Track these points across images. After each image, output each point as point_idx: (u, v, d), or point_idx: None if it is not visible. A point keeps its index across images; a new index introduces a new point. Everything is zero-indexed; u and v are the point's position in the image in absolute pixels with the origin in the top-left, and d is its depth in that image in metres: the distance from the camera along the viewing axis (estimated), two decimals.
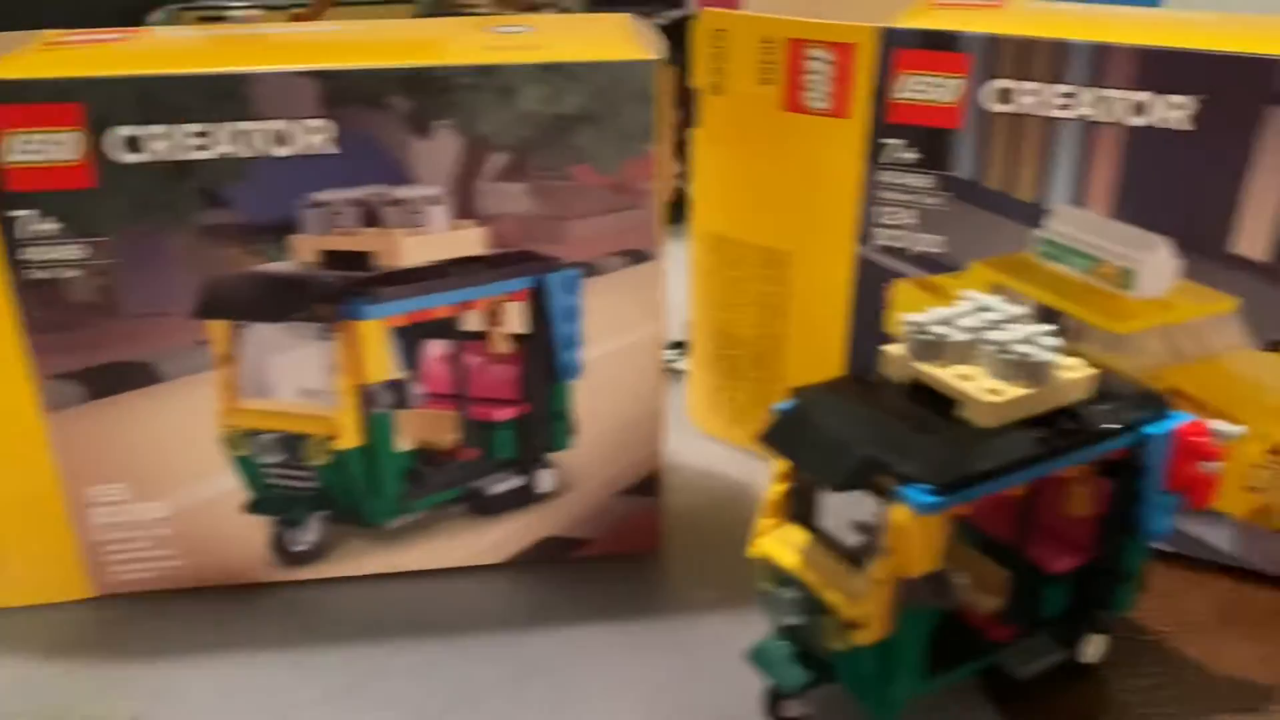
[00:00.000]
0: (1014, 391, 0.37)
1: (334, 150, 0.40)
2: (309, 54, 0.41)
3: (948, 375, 0.37)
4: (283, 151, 0.40)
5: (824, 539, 0.39)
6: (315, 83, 0.39)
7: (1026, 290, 0.47)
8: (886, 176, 0.48)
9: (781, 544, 0.40)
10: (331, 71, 0.39)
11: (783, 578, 0.39)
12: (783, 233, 0.52)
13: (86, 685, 0.43)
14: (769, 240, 0.52)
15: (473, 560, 0.48)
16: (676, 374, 0.64)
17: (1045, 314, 0.48)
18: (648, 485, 0.48)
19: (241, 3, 0.95)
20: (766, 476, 0.56)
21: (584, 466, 0.47)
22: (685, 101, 0.52)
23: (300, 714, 0.42)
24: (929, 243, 0.49)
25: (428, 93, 0.40)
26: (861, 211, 0.49)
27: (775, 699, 0.40)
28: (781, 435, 0.37)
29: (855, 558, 0.37)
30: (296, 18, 0.94)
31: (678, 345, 0.65)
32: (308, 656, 0.44)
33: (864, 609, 0.36)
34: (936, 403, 0.38)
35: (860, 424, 0.37)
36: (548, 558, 0.49)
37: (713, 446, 0.58)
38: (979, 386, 0.37)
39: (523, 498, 0.48)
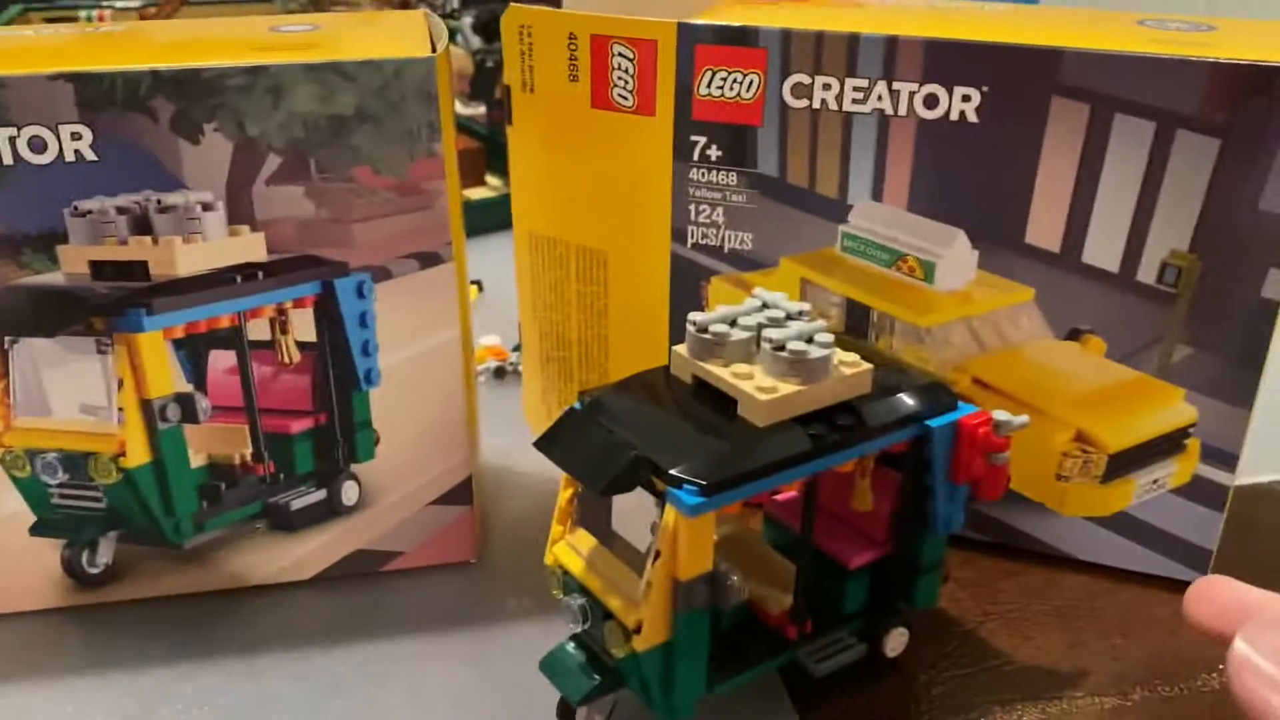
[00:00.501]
0: (787, 388, 0.36)
1: (95, 157, 0.39)
2: (72, 56, 0.39)
3: (726, 374, 0.37)
4: (42, 159, 0.38)
5: (610, 544, 0.38)
6: (70, 87, 0.38)
7: (833, 285, 0.47)
8: (695, 174, 0.47)
9: (571, 551, 0.39)
10: (87, 74, 0.38)
11: (570, 584, 0.38)
12: (600, 232, 0.51)
13: None
14: (587, 240, 0.51)
15: (278, 578, 0.47)
16: (519, 375, 0.63)
17: (854, 309, 0.48)
18: (459, 494, 0.47)
19: (89, 2, 0.92)
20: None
21: (390, 477, 0.46)
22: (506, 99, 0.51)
23: None
24: (740, 240, 0.48)
25: (193, 95, 0.38)
26: (674, 209, 0.49)
27: (567, 708, 0.39)
28: (555, 440, 0.37)
29: (637, 563, 0.37)
30: (145, 17, 0.91)
31: (518, 348, 0.64)
32: (96, 682, 0.42)
33: (641, 614, 0.36)
34: (720, 403, 0.37)
35: (642, 424, 0.36)
36: (360, 571, 0.48)
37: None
38: (754, 385, 0.36)
39: (327, 511, 0.46)
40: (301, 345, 0.44)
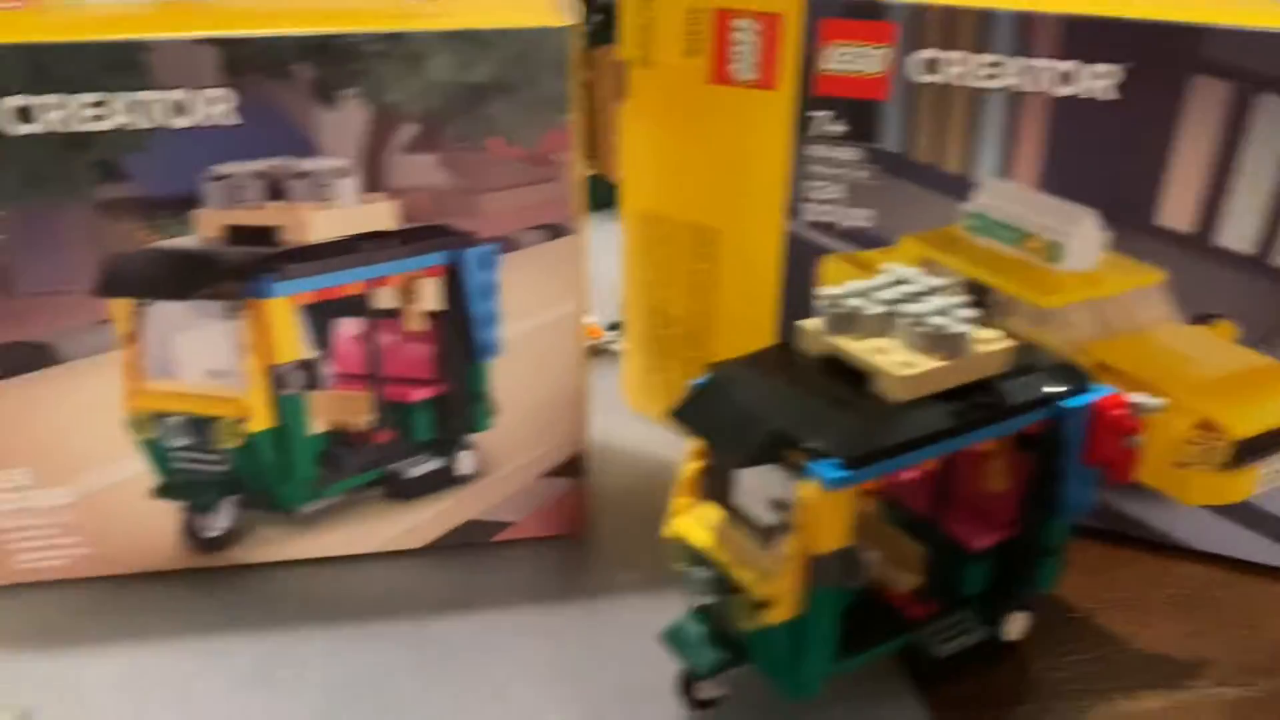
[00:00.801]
0: (927, 364, 0.36)
1: (236, 121, 0.39)
2: (212, 21, 0.40)
3: (862, 349, 0.37)
4: (183, 122, 0.39)
5: (738, 517, 0.38)
6: (215, 51, 0.38)
7: (955, 265, 0.47)
8: (815, 150, 0.47)
9: (696, 523, 0.39)
10: (232, 39, 0.38)
11: (696, 557, 0.38)
12: (712, 209, 0.51)
13: None
14: (698, 217, 0.51)
15: (390, 545, 0.47)
16: (614, 355, 0.63)
17: (974, 289, 0.47)
18: (572, 467, 0.47)
19: None
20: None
21: (505, 448, 0.46)
22: (619, 75, 0.51)
23: (205, 703, 0.40)
24: (858, 217, 0.48)
25: (333, 61, 0.39)
26: (790, 186, 0.48)
27: (689, 681, 0.39)
28: (692, 411, 0.36)
29: (767, 536, 0.37)
30: None
31: (615, 326, 0.64)
32: (215, 644, 0.43)
33: (774, 587, 0.35)
34: (851, 377, 0.37)
35: (773, 399, 0.36)
36: (469, 542, 0.48)
37: (647, 428, 0.57)
38: (892, 360, 0.36)
39: (442, 480, 0.47)
40: (426, 315, 0.44)
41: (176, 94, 0.38)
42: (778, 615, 0.36)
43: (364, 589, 0.46)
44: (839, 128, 0.47)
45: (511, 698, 0.41)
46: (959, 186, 0.46)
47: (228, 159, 0.40)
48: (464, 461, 0.46)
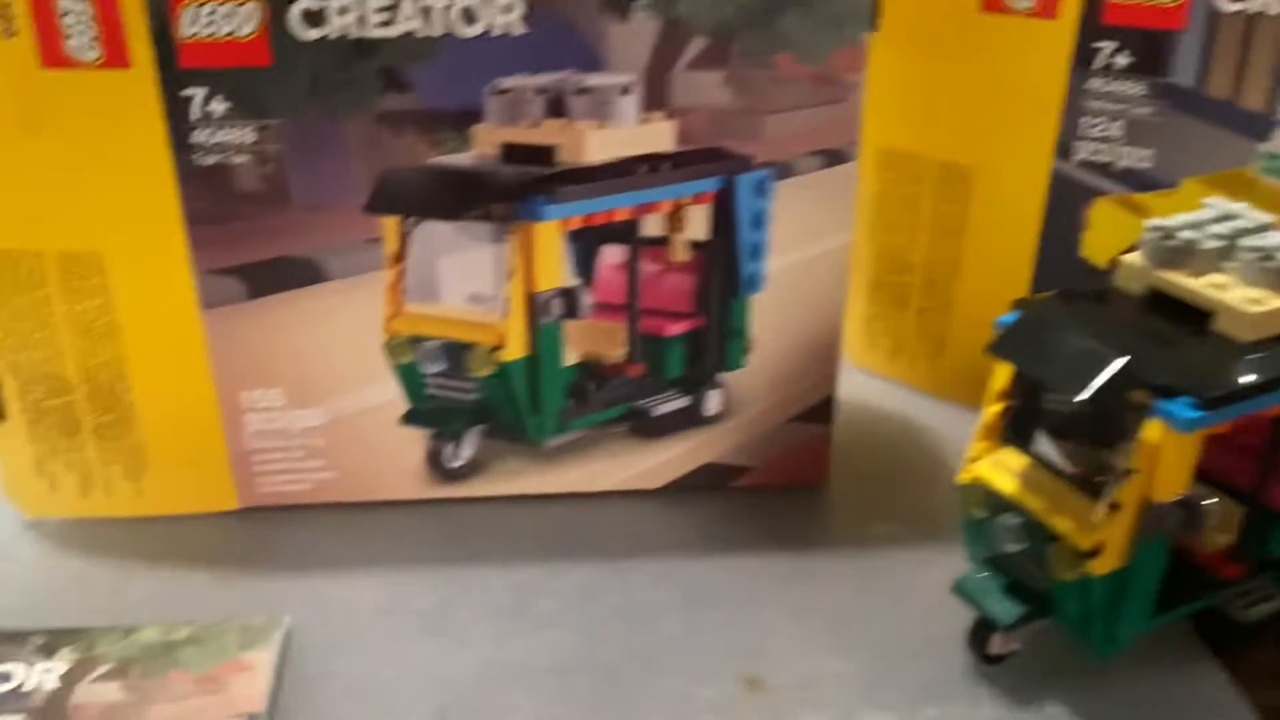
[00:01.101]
0: (1276, 301, 0.33)
1: (523, 31, 0.38)
2: None
3: (1199, 284, 0.34)
4: (471, 30, 0.37)
5: (1046, 462, 0.36)
6: None
7: None
8: (1095, 84, 0.44)
9: (998, 468, 0.37)
10: None
11: (1000, 504, 0.36)
12: (967, 146, 0.48)
13: (239, 596, 0.41)
14: (950, 154, 0.49)
15: (630, 484, 0.46)
16: None
17: None
18: (820, 411, 0.45)
19: None
20: (929, 412, 0.53)
21: (755, 389, 0.45)
22: None
23: (467, 631, 0.39)
24: (1136, 157, 0.45)
25: None
26: (1062, 123, 0.45)
27: (983, 633, 0.37)
28: (1015, 348, 0.34)
29: (1086, 481, 0.34)
30: None
31: None
32: (467, 574, 0.42)
33: (1101, 536, 0.33)
34: (1181, 314, 0.34)
35: (1103, 335, 0.34)
36: (706, 485, 0.46)
37: (866, 381, 0.55)
38: (1236, 296, 0.33)
39: (687, 420, 0.45)
40: (691, 244, 0.42)
41: (466, 0, 0.37)
42: (1102, 566, 0.33)
43: (606, 527, 0.45)
44: (1124, 59, 0.44)
45: (780, 645, 0.39)
46: (1257, 125, 0.43)
47: (512, 71, 0.38)
48: (711, 401, 0.45)
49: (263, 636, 0.38)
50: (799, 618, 0.40)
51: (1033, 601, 0.36)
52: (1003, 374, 0.37)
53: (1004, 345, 0.34)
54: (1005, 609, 0.36)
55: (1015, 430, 0.37)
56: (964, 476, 0.37)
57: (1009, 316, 0.36)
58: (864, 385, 0.55)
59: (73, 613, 0.40)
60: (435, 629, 0.39)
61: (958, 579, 0.37)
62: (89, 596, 0.41)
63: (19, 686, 0.36)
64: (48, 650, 0.37)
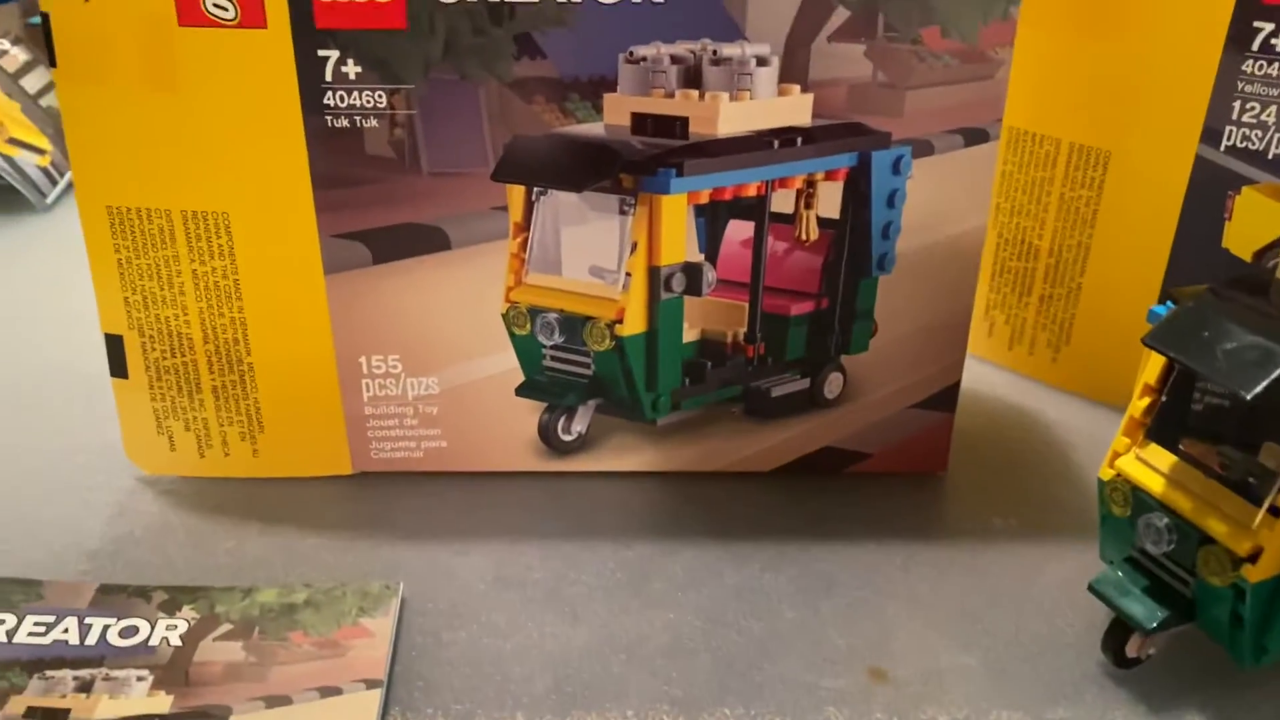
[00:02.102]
0: None
1: None
2: None
3: None
4: None
5: (1195, 461, 0.34)
6: None
7: None
8: (1251, 65, 0.42)
9: (1143, 465, 0.35)
10: None
11: (1145, 503, 0.35)
12: (1105, 128, 0.46)
13: (354, 560, 0.41)
14: (1086, 137, 0.47)
15: (742, 466, 0.45)
16: None
17: None
18: (944, 399, 0.44)
19: None
20: (1049, 402, 0.51)
21: (878, 373, 0.43)
22: None
23: (585, 607, 0.39)
24: None
25: None
26: (1212, 106, 0.43)
27: (1121, 635, 0.36)
28: (1177, 338, 0.33)
29: (1240, 483, 0.33)
30: None
31: None
32: (581, 549, 0.42)
33: (1258, 541, 0.32)
34: None
35: (1269, 331, 0.32)
36: (821, 469, 0.45)
37: (981, 368, 0.54)
38: None
39: (806, 402, 0.44)
40: (820, 222, 0.41)
41: None
42: (1258, 573, 0.32)
43: (719, 508, 0.44)
44: None
45: (903, 637, 0.38)
46: None
47: (649, 39, 0.37)
48: (832, 384, 0.44)
49: (380, 602, 0.38)
50: (921, 609, 0.39)
51: (1176, 605, 0.35)
52: (1154, 366, 0.35)
53: (1163, 336, 0.33)
54: (1147, 611, 0.34)
55: (1162, 426, 0.35)
56: (1106, 472, 0.36)
57: (1161, 307, 0.35)
58: (979, 373, 0.53)
59: (191, 570, 0.40)
60: (549, 603, 0.39)
61: (1095, 577, 0.36)
62: (207, 555, 0.41)
63: (145, 641, 0.36)
64: (170, 606, 0.37)
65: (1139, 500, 0.35)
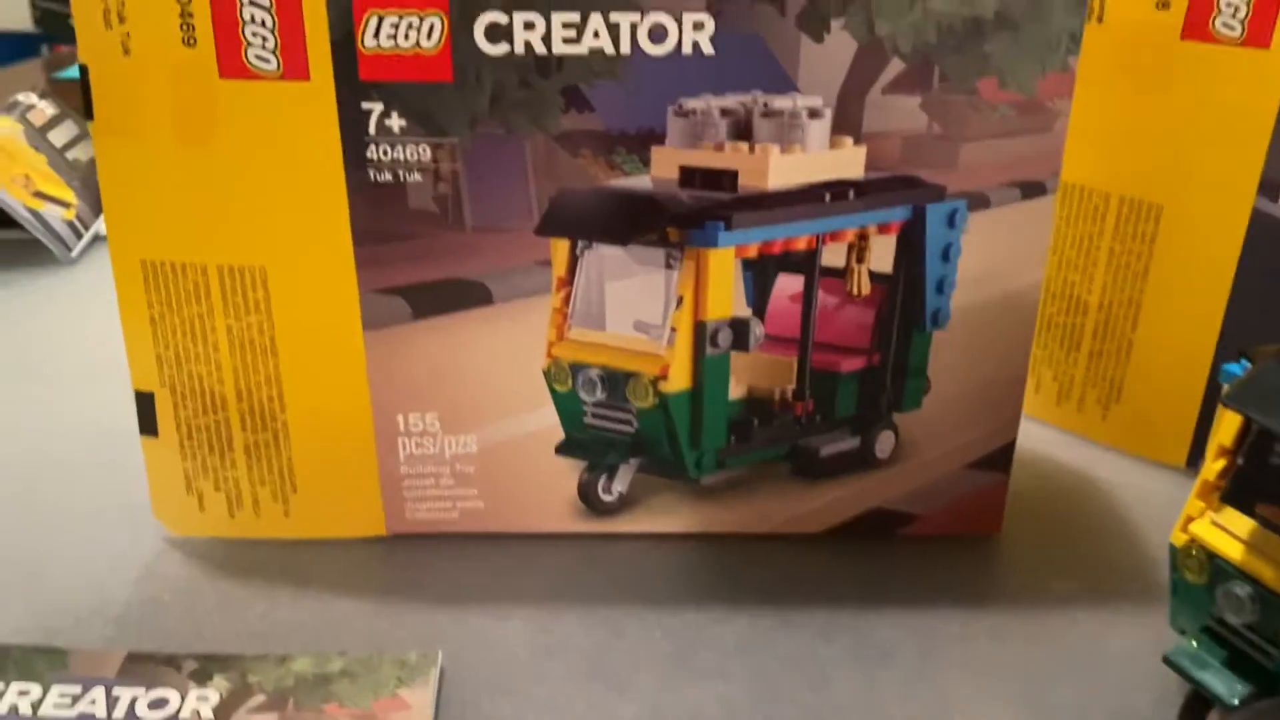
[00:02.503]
0: None
1: (711, 51, 0.36)
2: None
3: None
4: (659, 50, 0.36)
5: (1276, 527, 0.33)
6: None
7: None
8: None
9: (1219, 531, 0.34)
10: None
11: (1223, 570, 0.33)
12: (1158, 182, 0.45)
13: (389, 626, 0.40)
14: (1138, 190, 0.46)
15: (790, 527, 0.44)
16: None
17: None
18: (998, 459, 0.42)
19: None
20: (1100, 461, 0.50)
21: (931, 432, 0.42)
22: None
23: (627, 678, 0.37)
24: None
25: None
26: (1269, 159, 0.42)
27: (1200, 709, 0.34)
28: (1258, 398, 0.31)
29: None
30: None
31: None
32: (623, 615, 0.40)
33: None
34: None
35: None
36: (872, 531, 0.44)
37: (1027, 425, 0.52)
38: None
39: (856, 462, 0.43)
40: (872, 277, 0.40)
41: (657, 17, 0.36)
42: None
43: (767, 572, 0.42)
44: None
45: (965, 710, 0.36)
46: None
47: (698, 91, 0.37)
48: (883, 443, 0.42)
49: (418, 672, 0.36)
50: (981, 680, 0.37)
51: (1261, 679, 0.33)
52: (1229, 427, 0.34)
53: (1242, 395, 0.31)
54: (1229, 685, 0.33)
55: (1238, 489, 0.34)
56: (1179, 537, 0.34)
57: (1236, 365, 0.33)
58: (1026, 429, 0.52)
59: (221, 636, 0.39)
60: (594, 674, 0.37)
61: (1171, 649, 0.34)
62: (238, 620, 0.40)
63: (176, 713, 0.34)
64: (201, 676, 0.36)
65: (1217, 568, 0.33)
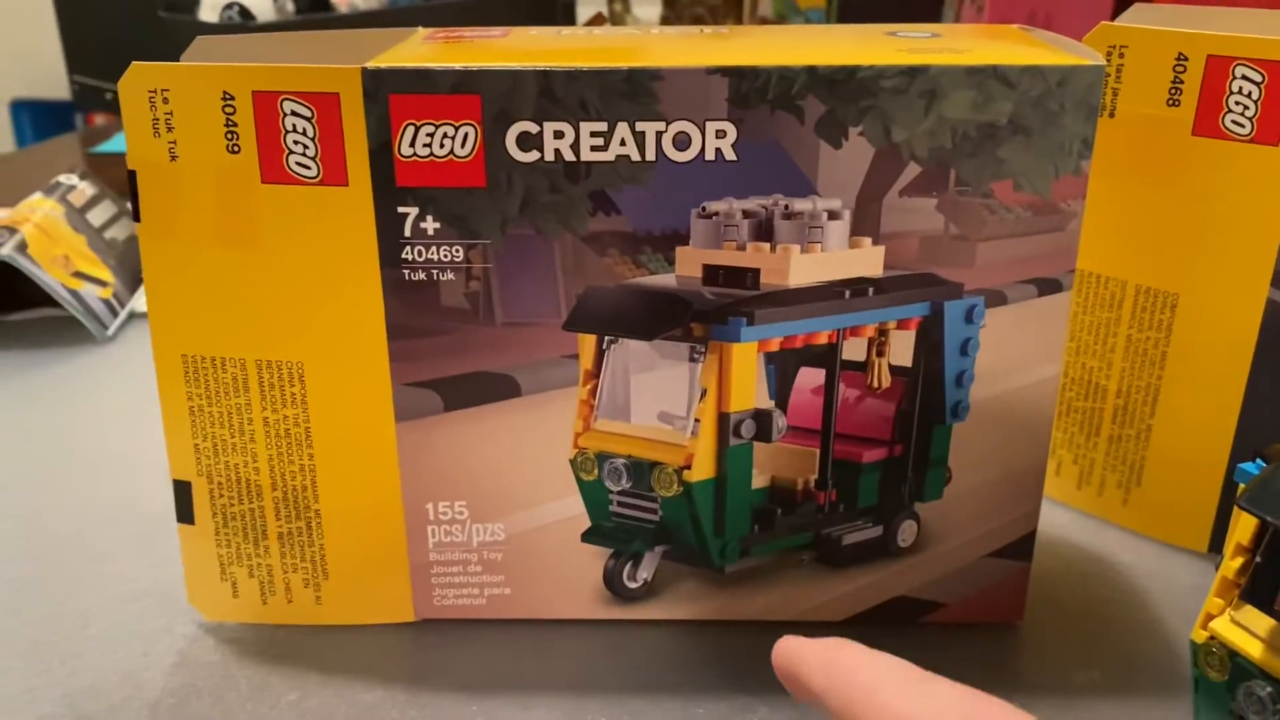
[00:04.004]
0: None
1: (734, 157, 0.37)
2: (710, 54, 0.38)
3: None
4: (683, 157, 0.37)
5: None
6: (725, 81, 0.37)
7: None
8: None
9: (1239, 628, 0.34)
10: (747, 70, 0.36)
11: (1244, 669, 0.33)
12: (1172, 272, 0.46)
13: (419, 716, 0.40)
14: (1153, 280, 0.47)
15: (813, 615, 0.44)
16: None
17: None
18: (1019, 548, 0.43)
19: None
20: (1121, 545, 0.50)
21: (952, 521, 0.43)
22: None
23: None
24: None
25: (846, 96, 0.37)
26: None
27: None
28: (1275, 501, 0.32)
29: None
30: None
31: None
32: (650, 706, 0.41)
33: None
34: None
35: None
36: (893, 619, 0.44)
37: (1048, 508, 0.53)
38: None
39: (878, 550, 0.43)
40: (893, 370, 0.41)
41: (682, 125, 0.37)
42: None
43: None
44: None
45: None
46: None
47: (721, 195, 0.38)
48: (905, 532, 0.43)
49: None
50: None
51: None
52: (1246, 527, 0.34)
53: (1256, 498, 0.32)
54: None
55: (1257, 587, 0.34)
56: (1199, 634, 0.35)
57: (1252, 464, 0.34)
58: (1046, 513, 0.52)
59: None
60: None
61: None
62: (269, 708, 0.40)
63: None
64: None
65: (1237, 666, 0.33)
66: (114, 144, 1.29)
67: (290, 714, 0.40)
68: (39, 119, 2.34)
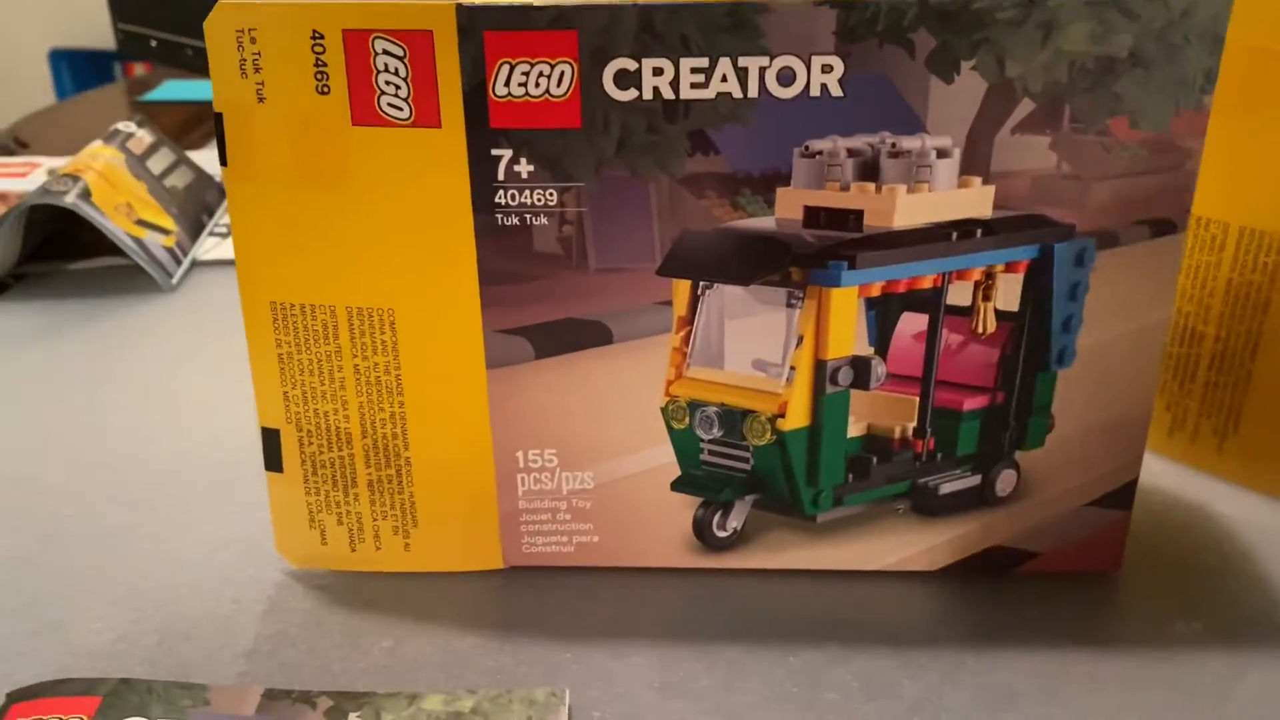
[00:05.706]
0: None
1: (839, 94, 0.36)
2: None
3: None
4: (786, 93, 0.36)
5: None
6: (834, 14, 0.35)
7: None
8: None
9: None
10: (856, 1, 0.35)
11: None
12: (1277, 212, 0.44)
13: (513, 661, 0.40)
14: (1259, 221, 0.45)
15: (905, 565, 0.43)
16: None
17: None
18: (1120, 497, 0.42)
19: None
20: (1216, 495, 0.49)
21: (1052, 470, 0.42)
22: None
23: (751, 718, 0.37)
24: None
25: (960, 28, 0.35)
26: None
27: None
28: None
29: None
30: None
31: None
32: (745, 655, 0.40)
33: None
34: None
35: None
36: (989, 569, 0.43)
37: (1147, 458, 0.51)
38: None
39: (975, 500, 0.42)
40: (998, 315, 0.40)
41: (785, 60, 0.36)
42: None
43: (884, 610, 0.42)
44: None
45: None
46: None
47: (826, 133, 0.37)
48: (1004, 481, 0.42)
49: (548, 711, 0.37)
50: None
51: None
52: None
53: None
54: None
55: None
56: None
57: None
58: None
59: (350, 672, 0.40)
60: (720, 715, 0.38)
61: None
62: (364, 655, 0.40)
63: None
64: (336, 714, 0.37)
65: None
66: (161, 92, 1.29)
67: (386, 660, 0.40)
68: (78, 69, 2.34)
